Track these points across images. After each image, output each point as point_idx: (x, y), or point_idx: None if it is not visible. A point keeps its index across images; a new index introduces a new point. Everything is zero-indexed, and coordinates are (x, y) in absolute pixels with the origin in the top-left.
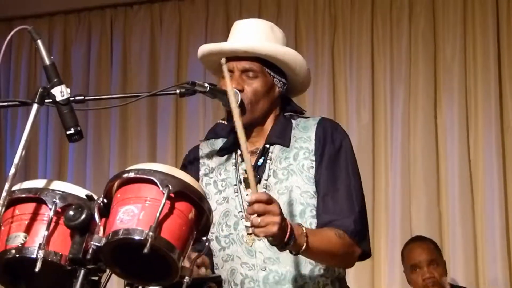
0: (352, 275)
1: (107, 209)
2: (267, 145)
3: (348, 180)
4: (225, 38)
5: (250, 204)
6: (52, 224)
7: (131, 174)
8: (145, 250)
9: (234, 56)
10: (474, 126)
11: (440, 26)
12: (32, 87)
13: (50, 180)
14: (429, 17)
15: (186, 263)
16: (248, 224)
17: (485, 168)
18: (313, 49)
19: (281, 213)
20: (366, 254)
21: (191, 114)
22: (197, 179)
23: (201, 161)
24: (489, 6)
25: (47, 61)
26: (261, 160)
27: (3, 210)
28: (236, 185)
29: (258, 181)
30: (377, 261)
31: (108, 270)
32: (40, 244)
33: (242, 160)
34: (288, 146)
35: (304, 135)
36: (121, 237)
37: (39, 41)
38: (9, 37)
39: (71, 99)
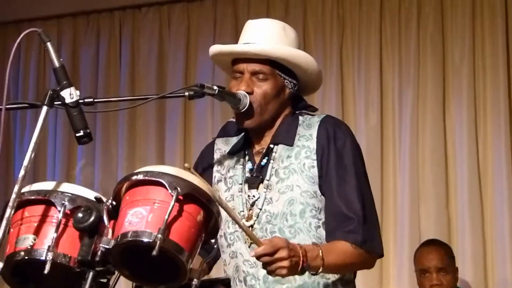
0: (360, 278)
1: (115, 211)
2: (271, 145)
3: (354, 181)
4: (233, 40)
5: (257, 259)
6: (61, 226)
7: (140, 176)
8: (154, 253)
9: (244, 57)
10: (483, 128)
11: (448, 28)
12: (41, 90)
13: (59, 182)
14: (438, 19)
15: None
16: (248, 224)
17: (494, 171)
18: (321, 50)
19: (289, 255)
20: (380, 255)
21: (200, 116)
22: (210, 174)
23: (215, 156)
24: (498, 8)
25: (56, 64)
26: (264, 160)
27: (12, 212)
28: (241, 184)
29: (261, 181)
30: (385, 264)
31: (116, 272)
32: (49, 246)
33: (249, 160)
34: (291, 145)
35: (307, 133)
36: (130, 239)
37: (48, 44)
38: (19, 39)
39: (80, 101)
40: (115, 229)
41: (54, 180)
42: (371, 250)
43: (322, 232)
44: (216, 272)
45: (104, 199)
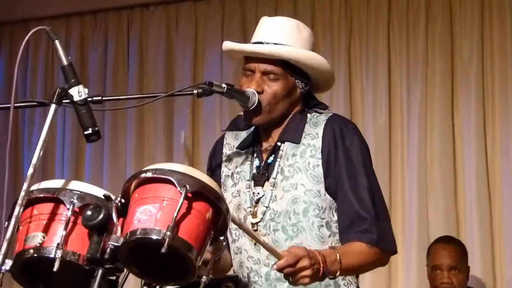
0: (369, 275)
1: (124, 209)
2: (278, 143)
3: (365, 180)
4: (241, 38)
5: (279, 271)
6: (70, 224)
7: (149, 174)
8: (163, 250)
9: (256, 56)
10: (492, 127)
11: (457, 26)
12: (49, 88)
13: (68, 180)
14: (446, 17)
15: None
16: (254, 221)
17: (502, 169)
18: (330, 50)
19: (311, 263)
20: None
21: (208, 115)
22: (220, 169)
23: (224, 150)
24: (507, 7)
25: (64, 62)
26: (271, 158)
27: (21, 210)
28: (248, 180)
29: (267, 179)
30: (394, 262)
31: (125, 270)
32: (58, 244)
33: (257, 156)
34: (298, 143)
35: (313, 131)
36: (139, 236)
37: (56, 42)
38: (27, 37)
39: (88, 99)
40: (124, 226)
41: (62, 178)
42: (386, 249)
43: (325, 231)
44: None
45: (113, 197)
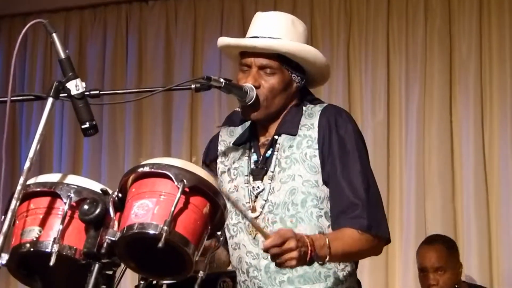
0: (366, 272)
1: (121, 204)
2: (276, 136)
3: (358, 166)
4: (240, 34)
5: (265, 251)
6: (67, 218)
7: (146, 169)
8: (160, 245)
9: (252, 51)
10: (489, 123)
11: (455, 22)
12: (47, 82)
13: (65, 174)
14: (445, 14)
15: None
16: (253, 215)
17: (500, 166)
18: (328, 46)
19: (297, 245)
20: (387, 239)
21: (206, 109)
22: (216, 165)
23: (219, 147)
24: (505, 3)
25: (62, 55)
26: (269, 152)
27: (18, 204)
28: (247, 175)
29: (265, 173)
30: (391, 259)
31: (122, 265)
32: (54, 238)
33: (254, 151)
34: (295, 134)
35: (309, 122)
36: (136, 231)
37: (54, 35)
38: (24, 30)
39: (86, 93)
40: (121, 221)
41: (60, 172)
42: (377, 235)
43: (324, 221)
44: None
45: (110, 191)
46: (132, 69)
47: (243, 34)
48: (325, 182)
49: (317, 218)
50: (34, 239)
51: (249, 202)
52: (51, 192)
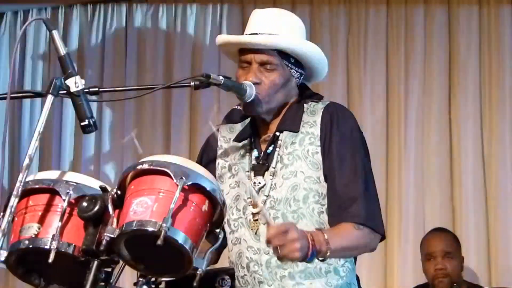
0: (365, 269)
1: (120, 201)
2: (277, 133)
3: (356, 164)
4: (240, 30)
5: (269, 241)
6: (66, 215)
7: (145, 166)
8: (159, 242)
9: (252, 48)
10: (488, 121)
11: (455, 19)
12: (46, 79)
13: (64, 172)
14: (444, 10)
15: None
16: (254, 211)
17: (498, 163)
18: (328, 42)
19: (299, 236)
20: (382, 236)
21: (206, 107)
22: (214, 161)
23: (219, 143)
24: (504, 0)
25: (61, 52)
26: (270, 148)
27: (16, 200)
28: (248, 171)
29: (266, 168)
30: (390, 256)
31: (121, 262)
32: (53, 235)
33: (255, 148)
34: (297, 131)
35: (311, 119)
36: (135, 228)
37: (53, 32)
38: (24, 26)
39: (85, 90)
40: (120, 218)
41: (59, 169)
42: (373, 230)
43: (325, 217)
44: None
45: (109, 188)
46: (132, 66)
47: (242, 31)
48: (325, 177)
49: (319, 214)
50: (33, 236)
51: (250, 198)
52: (50, 189)
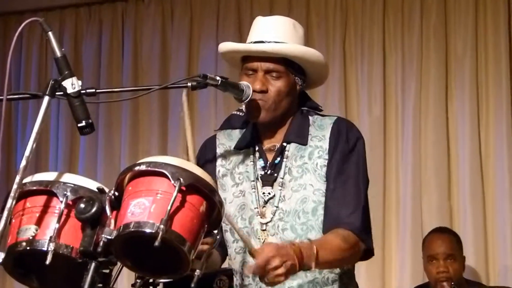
0: (362, 270)
1: (118, 202)
2: (284, 144)
3: (357, 178)
4: (236, 33)
5: (255, 273)
6: (63, 217)
7: (143, 167)
8: (156, 243)
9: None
10: (485, 120)
11: (451, 19)
12: (42, 81)
13: (61, 173)
14: (441, 10)
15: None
16: (263, 221)
17: (496, 162)
18: (324, 42)
19: (282, 261)
20: (370, 251)
21: (203, 108)
22: (214, 168)
23: (217, 150)
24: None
25: (58, 53)
26: (278, 159)
27: (14, 202)
28: (253, 181)
29: (274, 179)
30: (387, 256)
31: (119, 263)
32: (51, 237)
33: (260, 157)
34: (305, 144)
35: (320, 133)
36: (132, 230)
37: (50, 33)
38: (20, 28)
39: (82, 91)
40: (118, 219)
41: (56, 170)
42: (363, 240)
43: None
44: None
45: (107, 190)
46: (128, 67)
47: (238, 33)
48: (326, 183)
49: None
50: (30, 237)
51: (257, 208)
52: (48, 191)
